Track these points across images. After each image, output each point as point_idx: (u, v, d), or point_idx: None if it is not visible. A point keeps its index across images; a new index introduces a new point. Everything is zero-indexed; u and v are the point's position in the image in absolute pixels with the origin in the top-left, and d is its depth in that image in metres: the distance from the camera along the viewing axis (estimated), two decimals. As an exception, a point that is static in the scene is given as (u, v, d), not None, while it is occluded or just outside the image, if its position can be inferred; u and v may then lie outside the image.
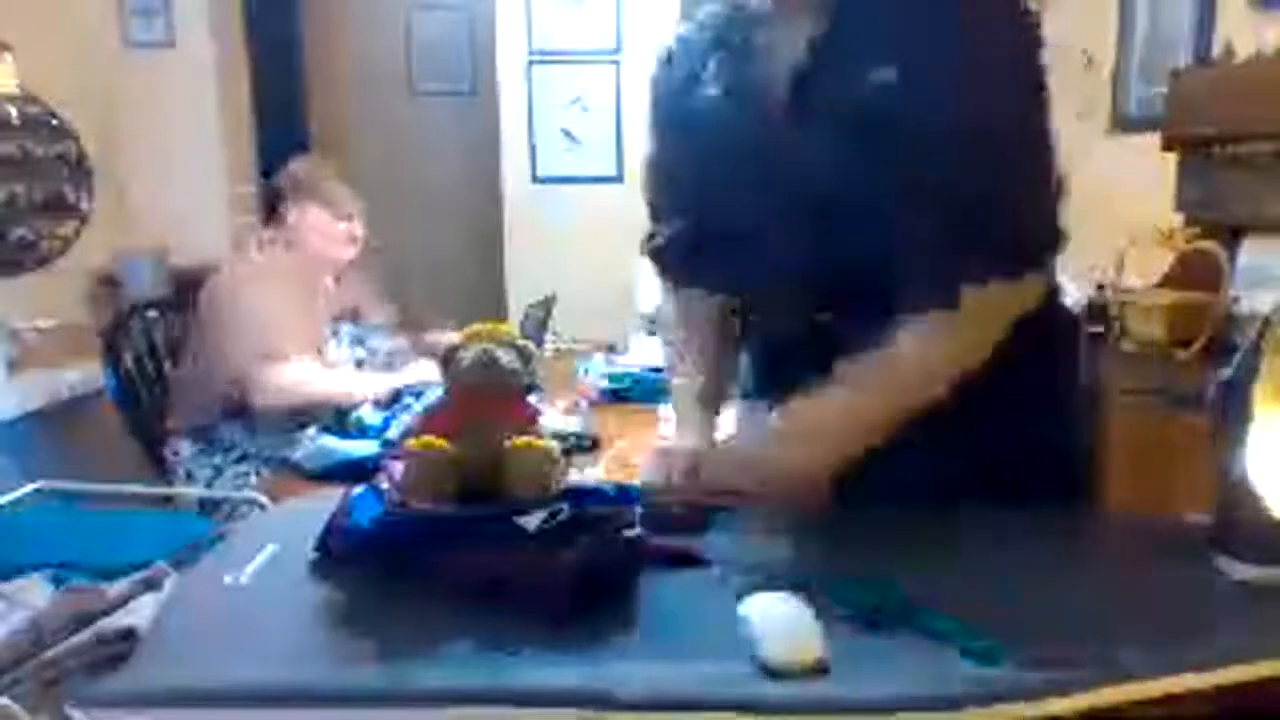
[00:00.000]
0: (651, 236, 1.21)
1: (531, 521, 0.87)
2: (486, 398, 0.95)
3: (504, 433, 0.94)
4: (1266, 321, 0.88)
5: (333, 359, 2.12)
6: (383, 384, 2.07)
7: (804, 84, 1.00)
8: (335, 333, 2.17)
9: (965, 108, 0.94)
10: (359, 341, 2.20)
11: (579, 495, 0.93)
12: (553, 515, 0.88)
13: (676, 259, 1.19)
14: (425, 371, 2.08)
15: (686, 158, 1.12)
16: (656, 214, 1.20)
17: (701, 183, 1.10)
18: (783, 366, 1.16)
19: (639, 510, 0.95)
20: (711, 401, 1.19)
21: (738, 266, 1.10)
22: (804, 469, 0.98)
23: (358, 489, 1.00)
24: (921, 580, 0.88)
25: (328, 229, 2.17)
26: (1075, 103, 2.75)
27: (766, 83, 1.03)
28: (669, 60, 1.16)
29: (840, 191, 0.98)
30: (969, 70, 0.94)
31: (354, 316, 2.26)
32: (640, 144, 1.22)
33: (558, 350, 2.60)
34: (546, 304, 2.55)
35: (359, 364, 2.18)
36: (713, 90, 1.07)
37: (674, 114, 1.14)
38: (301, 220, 2.15)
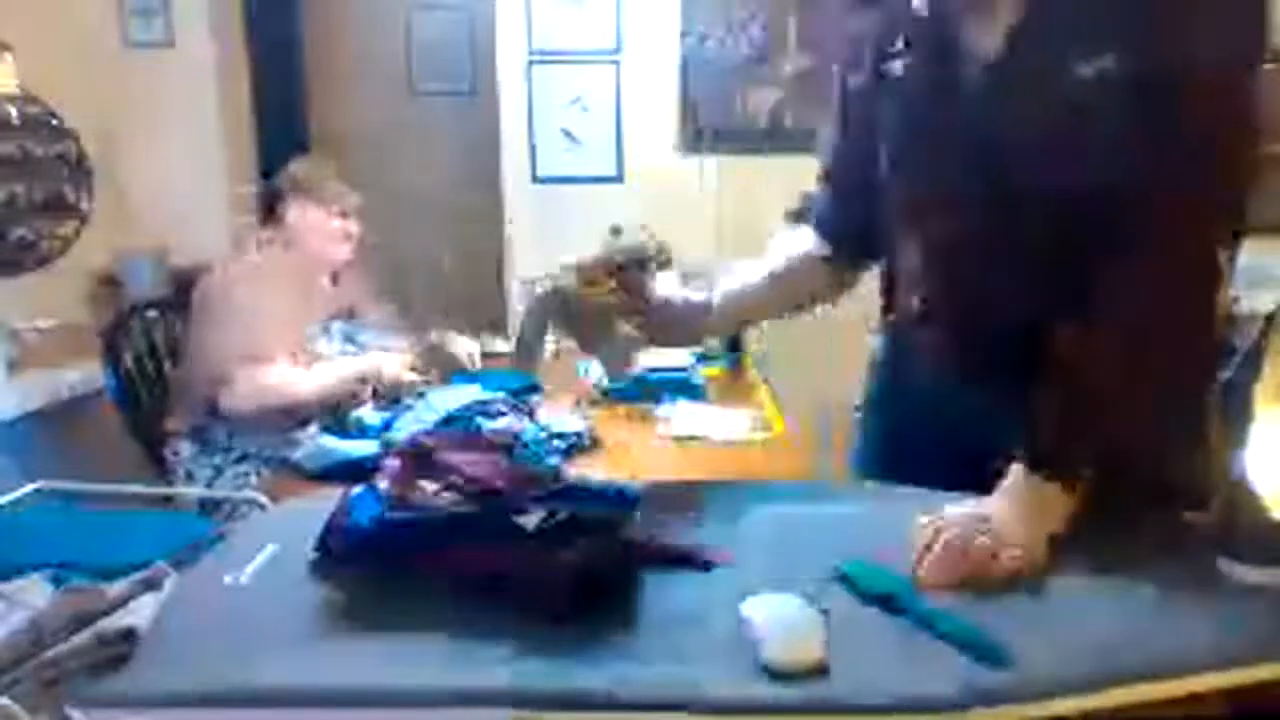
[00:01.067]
0: (809, 198, 1.26)
1: (530, 520, 0.87)
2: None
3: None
4: (1268, 321, 0.88)
5: (323, 354, 2.11)
6: (345, 367, 2.06)
7: (1002, 75, 0.98)
8: (327, 330, 2.16)
9: (1190, 108, 0.91)
10: (350, 339, 2.20)
11: (579, 494, 0.93)
12: (551, 514, 0.88)
13: (831, 221, 1.24)
14: (385, 359, 2.08)
15: (869, 134, 1.12)
16: (821, 180, 1.25)
17: (884, 157, 1.11)
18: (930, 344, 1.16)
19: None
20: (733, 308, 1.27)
21: (908, 239, 1.12)
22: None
23: (357, 489, 1.00)
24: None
25: (325, 228, 2.17)
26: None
27: (958, 68, 1.02)
28: (854, 43, 1.15)
29: (1037, 179, 0.97)
30: (1190, 64, 0.91)
31: (350, 315, 2.25)
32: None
33: (557, 351, 2.59)
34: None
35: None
36: (901, 69, 1.06)
37: (858, 90, 1.14)
38: (300, 220, 2.15)
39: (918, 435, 1.16)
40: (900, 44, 1.06)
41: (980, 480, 0.99)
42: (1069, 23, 0.94)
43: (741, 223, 3.15)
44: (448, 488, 0.94)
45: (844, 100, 1.19)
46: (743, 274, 1.27)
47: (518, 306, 2.49)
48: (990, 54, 0.99)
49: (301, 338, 2.08)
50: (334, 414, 1.98)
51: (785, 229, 1.28)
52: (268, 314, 2.03)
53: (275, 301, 2.05)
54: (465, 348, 2.47)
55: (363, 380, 2.04)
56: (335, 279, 2.26)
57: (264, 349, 1.98)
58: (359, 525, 0.93)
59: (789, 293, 1.27)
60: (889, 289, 1.22)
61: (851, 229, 1.22)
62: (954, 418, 1.10)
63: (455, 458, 0.99)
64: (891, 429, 1.26)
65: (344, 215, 2.20)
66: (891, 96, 1.08)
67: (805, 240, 1.26)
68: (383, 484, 0.96)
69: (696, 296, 1.25)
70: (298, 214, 2.15)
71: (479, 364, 2.44)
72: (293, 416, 1.96)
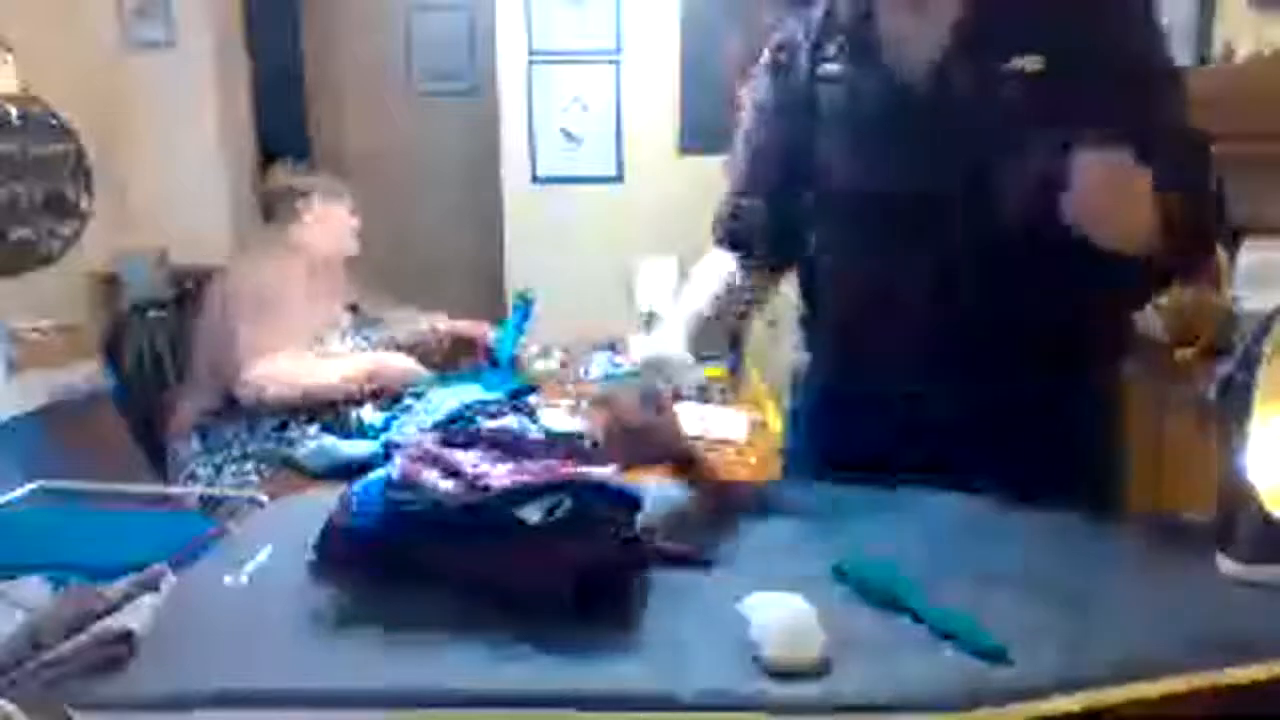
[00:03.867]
0: (736, 209, 1.24)
1: (532, 514, 0.87)
2: None
3: None
4: (1267, 321, 0.88)
5: (335, 351, 2.13)
6: (353, 364, 2.08)
7: (946, 69, 1.02)
8: (335, 325, 2.18)
9: (1117, 98, 0.95)
10: (357, 333, 2.21)
11: (582, 490, 0.92)
12: (554, 509, 0.88)
13: (769, 230, 1.22)
14: (394, 357, 2.11)
15: (805, 134, 1.13)
16: (747, 188, 1.23)
17: (823, 158, 1.12)
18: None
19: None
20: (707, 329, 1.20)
21: (856, 236, 1.13)
22: None
23: (358, 484, 0.99)
24: (924, 569, 0.88)
25: (341, 224, 2.21)
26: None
27: (902, 66, 1.05)
28: (785, 46, 1.16)
29: (982, 171, 1.00)
30: (1118, 59, 0.96)
31: (354, 310, 2.27)
32: (742, 120, 1.24)
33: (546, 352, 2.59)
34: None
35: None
36: (840, 69, 1.09)
37: (793, 92, 1.15)
38: (317, 217, 2.18)
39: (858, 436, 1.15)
40: (834, 47, 1.09)
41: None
42: (1012, 17, 0.99)
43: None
44: (453, 474, 0.94)
45: (774, 106, 1.18)
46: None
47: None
48: (934, 50, 1.03)
49: (319, 332, 2.10)
50: (338, 410, 1.99)
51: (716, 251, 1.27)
52: (285, 308, 2.06)
53: (292, 297, 2.08)
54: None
55: (372, 377, 2.07)
56: (336, 275, 2.28)
57: (281, 341, 2.01)
58: (362, 516, 0.93)
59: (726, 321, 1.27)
60: (816, 290, 1.23)
61: (787, 232, 1.21)
62: (895, 414, 1.11)
63: (461, 455, 0.99)
64: (829, 435, 1.25)
65: (353, 210, 2.25)
66: (835, 98, 1.10)
67: (724, 264, 1.25)
68: (394, 472, 0.97)
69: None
70: (315, 211, 2.18)
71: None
72: (305, 407, 1.98)
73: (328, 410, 1.99)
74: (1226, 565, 0.89)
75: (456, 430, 1.06)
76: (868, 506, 1.11)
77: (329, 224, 2.21)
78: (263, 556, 0.97)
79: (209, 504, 1.77)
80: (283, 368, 2.00)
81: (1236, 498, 0.88)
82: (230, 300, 2.07)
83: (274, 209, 2.22)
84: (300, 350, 2.04)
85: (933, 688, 0.73)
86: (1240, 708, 0.74)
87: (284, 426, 2.00)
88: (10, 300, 2.82)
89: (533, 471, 0.98)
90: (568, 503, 0.89)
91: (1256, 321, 0.89)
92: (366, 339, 2.22)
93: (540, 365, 2.43)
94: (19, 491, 1.21)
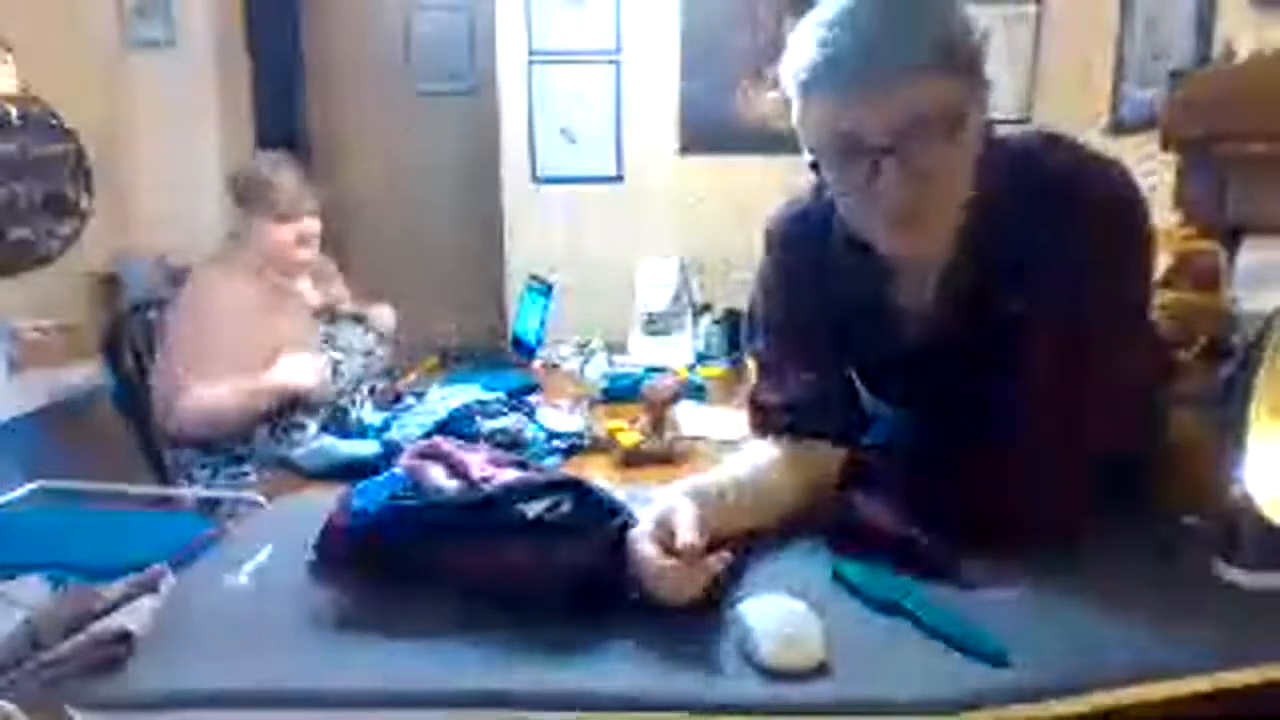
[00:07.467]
0: (795, 392, 1.15)
1: (532, 508, 0.87)
2: None
3: None
4: (1267, 322, 0.88)
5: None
6: (262, 381, 1.96)
7: (942, 305, 1.03)
8: (299, 340, 2.07)
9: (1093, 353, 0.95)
10: (328, 340, 2.15)
11: (583, 489, 0.92)
12: (554, 507, 0.88)
13: (813, 413, 1.14)
14: (296, 368, 1.99)
15: (821, 330, 1.13)
16: (778, 370, 1.17)
17: (838, 354, 1.15)
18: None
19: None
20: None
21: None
22: None
23: (359, 485, 0.99)
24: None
25: (275, 235, 2.06)
26: (1078, 107, 2.75)
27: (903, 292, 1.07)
28: (792, 233, 1.16)
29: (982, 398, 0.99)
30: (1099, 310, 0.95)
31: (330, 317, 2.20)
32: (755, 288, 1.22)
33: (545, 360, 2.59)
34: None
35: (335, 365, 2.12)
36: (842, 283, 1.09)
37: (806, 284, 1.14)
38: (250, 230, 2.07)
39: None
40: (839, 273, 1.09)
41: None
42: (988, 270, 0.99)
43: (740, 224, 3.15)
44: (458, 475, 0.95)
45: (803, 299, 1.16)
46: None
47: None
48: (932, 287, 1.04)
49: (279, 347, 2.00)
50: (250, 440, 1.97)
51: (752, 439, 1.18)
52: (226, 334, 1.96)
53: (236, 319, 1.99)
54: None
55: (276, 392, 1.97)
56: (313, 279, 2.21)
57: (219, 369, 1.92)
58: (363, 511, 0.93)
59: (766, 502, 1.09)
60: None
61: (841, 420, 1.15)
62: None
63: (467, 457, 0.99)
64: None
65: (298, 220, 2.07)
66: (842, 304, 1.11)
67: (765, 452, 1.14)
68: (399, 469, 0.97)
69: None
70: (246, 223, 2.08)
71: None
72: (233, 436, 1.95)
73: (240, 442, 1.96)
74: (1228, 572, 0.89)
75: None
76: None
77: (260, 237, 2.06)
78: (263, 556, 0.97)
79: (208, 505, 1.77)
80: (197, 402, 1.92)
81: (1235, 502, 0.88)
82: (170, 330, 2.00)
83: (244, 203, 2.09)
84: (241, 375, 1.95)
85: (933, 688, 0.73)
86: (1236, 711, 0.74)
87: (286, 430, 1.99)
88: (10, 300, 2.82)
89: (536, 468, 0.98)
90: (568, 502, 0.89)
91: (1256, 322, 0.89)
92: (342, 348, 2.14)
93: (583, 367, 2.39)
94: (19, 491, 1.21)
